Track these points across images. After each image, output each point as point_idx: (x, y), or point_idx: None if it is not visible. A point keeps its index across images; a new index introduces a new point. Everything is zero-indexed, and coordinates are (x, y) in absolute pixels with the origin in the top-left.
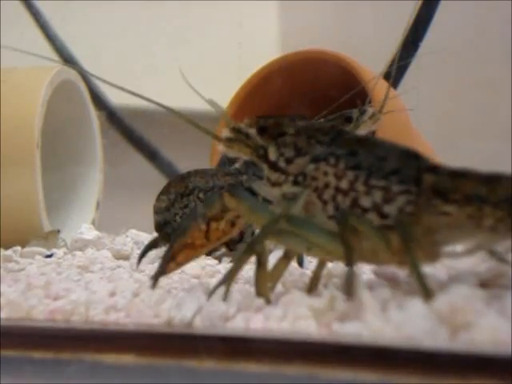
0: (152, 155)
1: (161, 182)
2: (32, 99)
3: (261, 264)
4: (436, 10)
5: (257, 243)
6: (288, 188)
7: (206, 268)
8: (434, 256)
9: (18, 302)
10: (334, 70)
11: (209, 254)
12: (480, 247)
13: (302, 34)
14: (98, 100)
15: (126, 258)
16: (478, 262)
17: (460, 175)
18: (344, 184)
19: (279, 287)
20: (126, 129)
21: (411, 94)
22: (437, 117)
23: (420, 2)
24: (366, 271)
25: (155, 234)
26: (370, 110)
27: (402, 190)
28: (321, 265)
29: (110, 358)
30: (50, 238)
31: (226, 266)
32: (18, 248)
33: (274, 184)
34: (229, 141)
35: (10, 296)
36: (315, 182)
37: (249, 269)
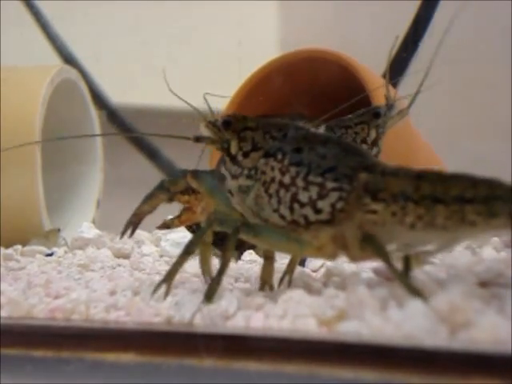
0: (152, 154)
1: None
2: (32, 98)
3: (268, 258)
4: (435, 10)
5: (193, 245)
6: (243, 181)
7: None
8: (366, 252)
9: (18, 300)
10: (334, 69)
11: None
12: (408, 246)
13: (301, 33)
14: (99, 99)
15: (127, 256)
16: (478, 261)
17: (391, 174)
18: (286, 179)
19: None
20: (127, 128)
21: (411, 94)
22: (437, 117)
23: (420, 2)
24: (366, 270)
25: (155, 232)
26: (396, 106)
27: (335, 187)
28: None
29: (111, 357)
30: (50, 237)
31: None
32: (19, 247)
33: (233, 176)
34: (201, 136)
35: (10, 294)
36: (264, 176)
37: (249, 268)
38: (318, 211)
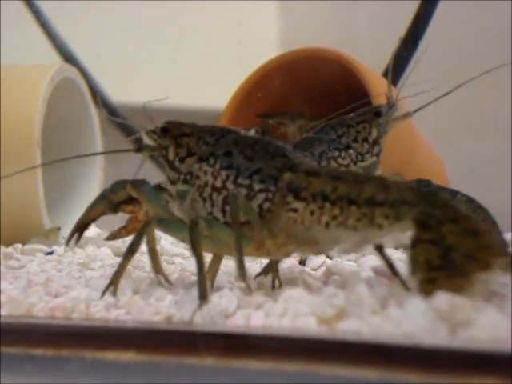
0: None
1: (161, 180)
2: (32, 97)
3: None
4: (435, 8)
5: (134, 245)
6: (180, 186)
7: (206, 265)
8: (292, 249)
9: (18, 299)
10: (334, 68)
11: None
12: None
13: (301, 32)
14: (99, 98)
15: None
16: None
17: (313, 174)
18: (218, 183)
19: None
20: (126, 127)
21: (411, 93)
22: (437, 116)
23: (419, 2)
24: (365, 268)
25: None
26: (398, 106)
27: (262, 188)
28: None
29: (110, 355)
30: (50, 236)
31: (225, 263)
32: (19, 245)
33: (171, 182)
34: (143, 145)
35: (10, 293)
36: (198, 180)
37: (248, 266)
38: None
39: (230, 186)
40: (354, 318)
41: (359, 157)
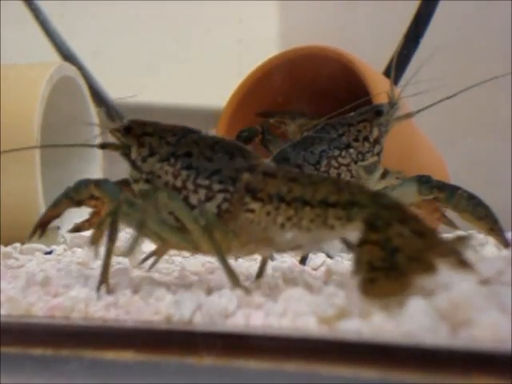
0: None
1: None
2: (31, 95)
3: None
4: (436, 7)
5: (112, 234)
6: (142, 185)
7: (205, 265)
8: (252, 249)
9: (17, 298)
10: (335, 66)
11: None
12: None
13: (301, 31)
14: (98, 96)
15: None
16: (479, 259)
17: (271, 175)
18: (178, 183)
19: (280, 283)
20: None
21: (411, 93)
22: (437, 114)
23: (420, 1)
24: None
25: None
26: (400, 105)
27: (220, 188)
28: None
29: (110, 355)
30: (49, 235)
31: None
32: (18, 245)
33: (134, 181)
34: (106, 143)
35: (9, 293)
36: (160, 180)
37: (249, 266)
38: None
39: (189, 186)
40: (354, 317)
41: (360, 156)
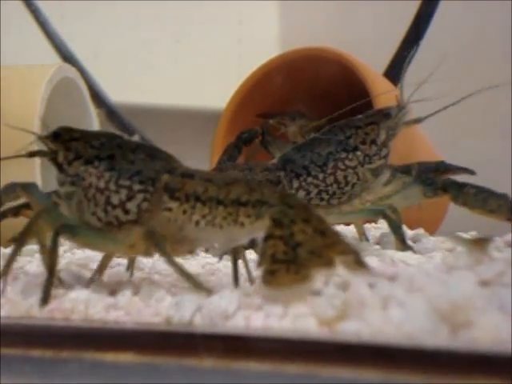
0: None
1: None
2: (31, 97)
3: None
4: (437, 7)
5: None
6: (68, 188)
7: (205, 266)
8: (179, 248)
9: (17, 300)
10: (334, 67)
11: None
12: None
13: (301, 32)
14: (98, 97)
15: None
16: (479, 260)
17: (188, 176)
18: (101, 184)
19: None
20: (126, 126)
21: (411, 92)
22: (437, 115)
23: (420, 1)
24: None
25: None
26: (408, 111)
27: (140, 188)
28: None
29: (110, 357)
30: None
31: (226, 264)
32: None
33: (61, 184)
34: (34, 151)
35: (9, 294)
36: (84, 182)
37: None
38: (126, 212)
39: (112, 186)
40: (354, 319)
41: (367, 159)
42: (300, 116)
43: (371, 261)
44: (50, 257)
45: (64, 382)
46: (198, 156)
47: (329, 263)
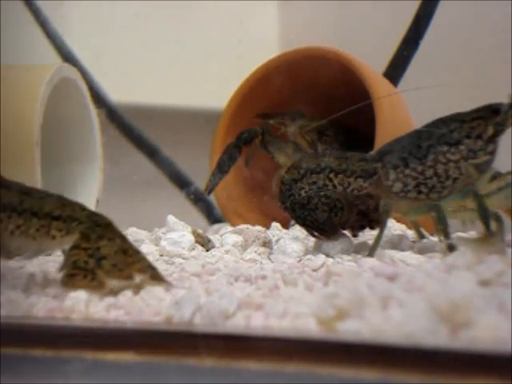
0: (152, 153)
1: (161, 180)
2: (31, 97)
3: None
4: (436, 8)
5: None
6: None
7: (206, 266)
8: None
9: (17, 299)
10: (335, 68)
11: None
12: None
13: (301, 31)
14: (98, 97)
15: None
16: (479, 260)
17: (6, 187)
18: None
19: (280, 284)
20: (126, 126)
21: (411, 92)
22: (437, 115)
23: (420, 1)
24: (366, 269)
25: (155, 231)
26: None
27: None
28: None
29: (110, 356)
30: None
31: (226, 264)
32: None
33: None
34: None
35: (9, 294)
36: None
37: (249, 267)
38: None
39: None
40: (354, 318)
41: (471, 153)
42: (300, 116)
43: (371, 261)
44: None
45: (64, 381)
46: (198, 156)
47: (128, 277)
